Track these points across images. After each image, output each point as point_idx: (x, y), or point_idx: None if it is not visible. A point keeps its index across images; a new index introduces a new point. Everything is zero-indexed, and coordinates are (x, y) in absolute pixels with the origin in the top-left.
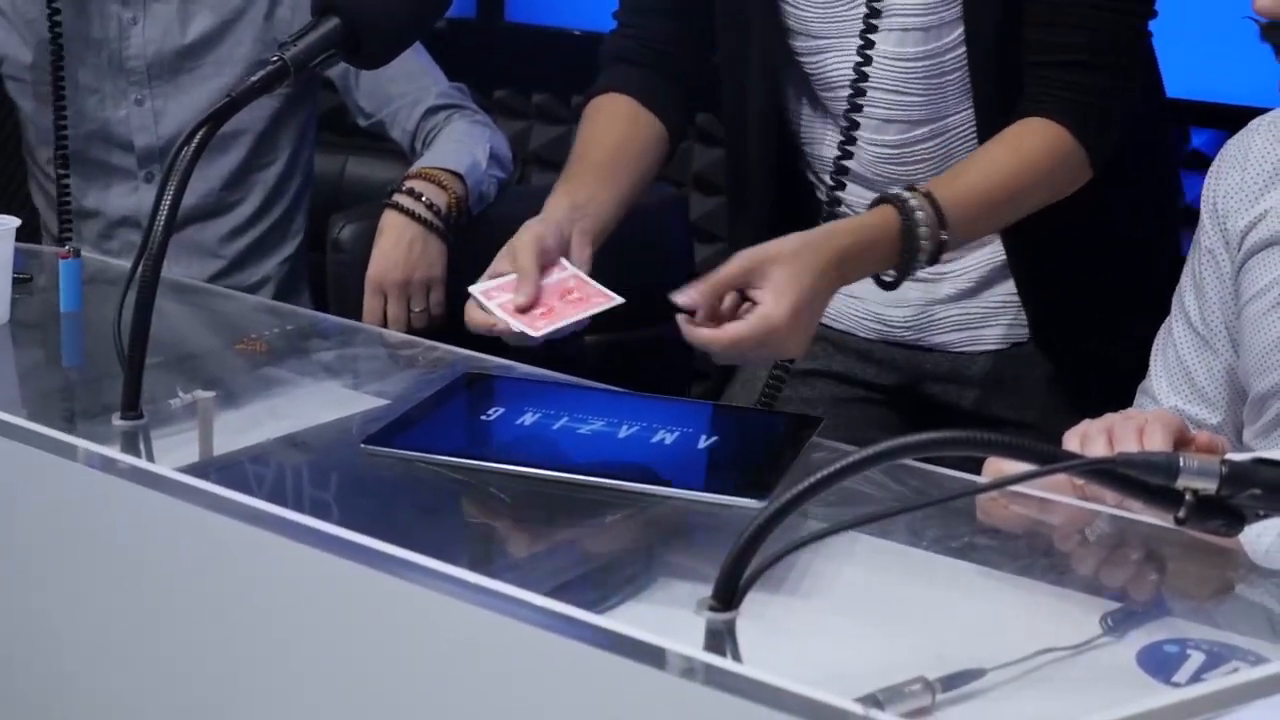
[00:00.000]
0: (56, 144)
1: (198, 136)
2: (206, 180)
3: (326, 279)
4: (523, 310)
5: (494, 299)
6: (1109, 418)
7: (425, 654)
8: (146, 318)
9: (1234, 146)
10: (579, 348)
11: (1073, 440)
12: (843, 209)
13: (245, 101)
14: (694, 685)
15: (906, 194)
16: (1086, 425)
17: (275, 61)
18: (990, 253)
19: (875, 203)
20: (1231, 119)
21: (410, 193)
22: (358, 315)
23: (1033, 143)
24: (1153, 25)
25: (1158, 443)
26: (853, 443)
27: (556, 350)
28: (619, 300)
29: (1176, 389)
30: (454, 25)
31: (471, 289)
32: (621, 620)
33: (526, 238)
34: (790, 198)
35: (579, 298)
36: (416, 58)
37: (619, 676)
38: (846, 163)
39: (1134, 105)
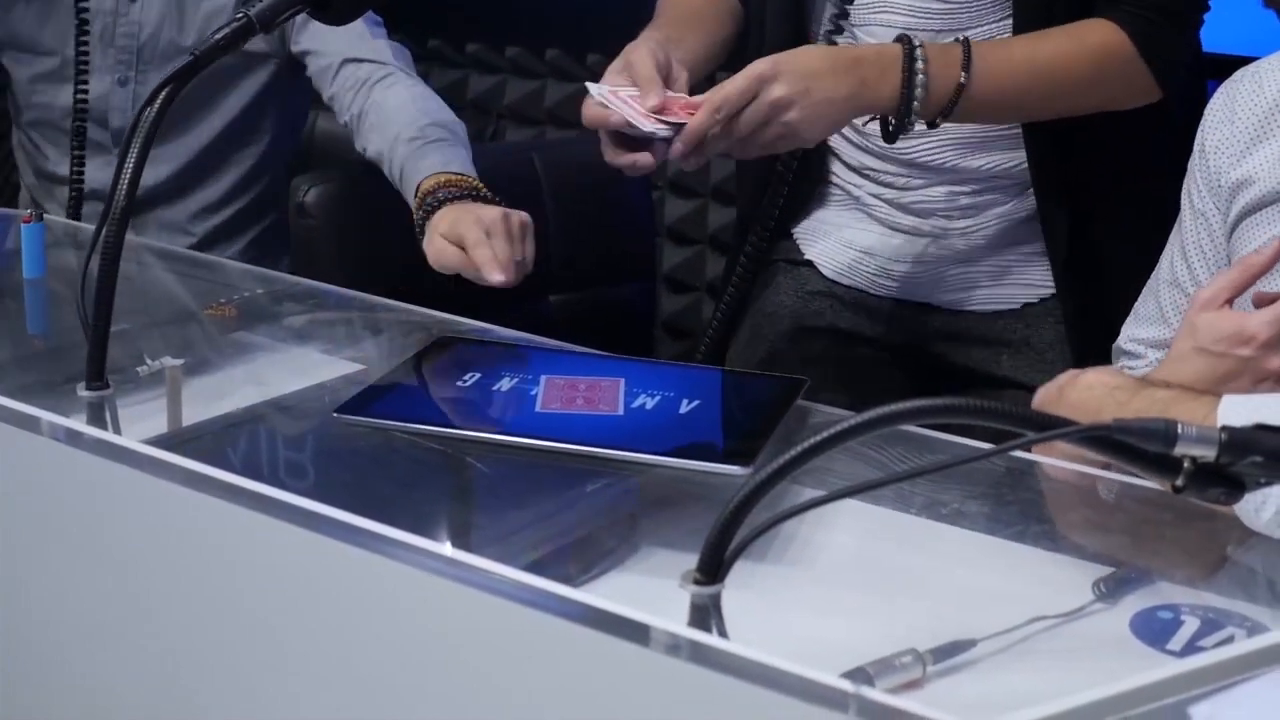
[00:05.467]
0: None
1: (160, 98)
2: (178, 158)
3: (292, 244)
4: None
5: (618, 96)
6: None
7: (401, 630)
8: (111, 284)
9: (1220, 99)
10: (545, 307)
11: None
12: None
13: (208, 60)
14: (678, 662)
15: (923, 39)
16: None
17: (240, 18)
18: (1005, 210)
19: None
20: (1223, 69)
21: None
22: (326, 281)
23: (1092, 35)
24: None
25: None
26: (856, 402)
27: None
28: None
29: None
30: None
31: (591, 86)
32: (603, 594)
33: (642, 51)
34: None
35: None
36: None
37: (600, 653)
38: None
39: (1198, 32)
